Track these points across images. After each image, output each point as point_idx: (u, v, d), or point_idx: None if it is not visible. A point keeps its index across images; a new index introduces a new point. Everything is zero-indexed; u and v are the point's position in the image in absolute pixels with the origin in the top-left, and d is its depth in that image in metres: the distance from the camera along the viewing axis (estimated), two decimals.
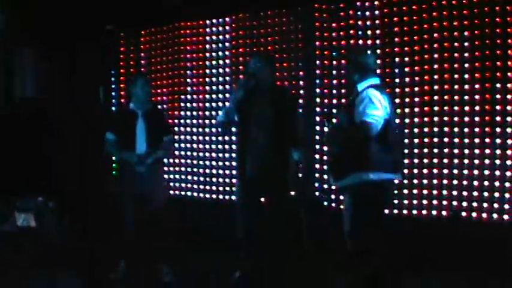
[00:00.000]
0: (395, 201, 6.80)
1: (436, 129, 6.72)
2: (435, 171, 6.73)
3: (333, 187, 6.86)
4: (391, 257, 5.04)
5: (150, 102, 6.44)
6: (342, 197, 6.83)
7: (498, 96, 6.39)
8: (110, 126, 6.36)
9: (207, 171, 8.35)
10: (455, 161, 6.60)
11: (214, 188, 8.29)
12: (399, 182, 6.59)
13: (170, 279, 6.17)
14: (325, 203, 7.36)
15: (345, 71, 5.64)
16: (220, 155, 8.25)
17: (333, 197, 7.30)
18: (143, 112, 6.21)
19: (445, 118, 6.66)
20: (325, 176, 7.24)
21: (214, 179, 8.29)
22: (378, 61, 6.77)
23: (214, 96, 8.32)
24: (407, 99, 6.87)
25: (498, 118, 6.40)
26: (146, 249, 6.18)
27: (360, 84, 5.12)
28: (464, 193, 6.56)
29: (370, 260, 4.94)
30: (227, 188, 8.13)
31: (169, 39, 8.74)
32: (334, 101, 7.33)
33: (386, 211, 6.40)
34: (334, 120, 5.31)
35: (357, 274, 5.04)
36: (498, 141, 6.39)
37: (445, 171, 6.68)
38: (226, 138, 8.06)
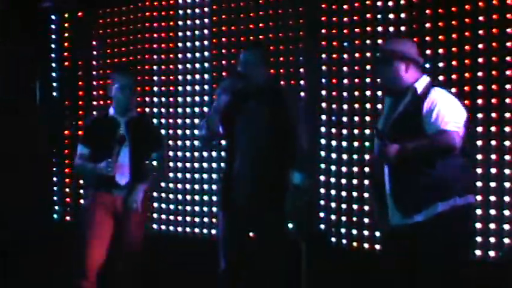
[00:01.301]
0: None
1: None
2: None
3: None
4: None
5: (133, 108, 5.93)
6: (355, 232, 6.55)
7: (480, 101, 5.78)
8: (84, 137, 5.90)
9: (179, 197, 7.46)
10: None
11: (188, 219, 7.40)
12: None
13: None
14: (334, 239, 6.62)
15: (381, 69, 4.78)
16: (197, 175, 7.35)
17: (343, 231, 6.54)
18: (126, 121, 5.68)
19: None
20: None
21: (188, 208, 7.39)
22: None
23: (189, 99, 7.42)
24: None
25: (480, 129, 5.81)
26: None
27: (418, 84, 4.49)
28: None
29: None
30: (205, 219, 7.29)
31: (132, 23, 7.81)
32: (345, 107, 6.54)
33: None
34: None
35: None
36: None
37: None
38: (205, 154, 7.25)
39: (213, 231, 7.10)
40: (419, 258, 4.45)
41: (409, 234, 4.49)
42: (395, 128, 4.55)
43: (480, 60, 5.93)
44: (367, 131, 6.45)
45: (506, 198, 5.76)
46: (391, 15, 6.22)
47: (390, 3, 6.22)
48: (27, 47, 8.14)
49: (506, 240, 5.74)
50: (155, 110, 7.60)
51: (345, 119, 6.54)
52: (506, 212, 5.76)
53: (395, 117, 4.59)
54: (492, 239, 5.79)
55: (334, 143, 6.58)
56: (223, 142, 5.76)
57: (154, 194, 7.36)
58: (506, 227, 5.74)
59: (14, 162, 7.95)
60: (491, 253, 5.76)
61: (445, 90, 4.57)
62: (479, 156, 5.90)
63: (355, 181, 6.50)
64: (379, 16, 6.30)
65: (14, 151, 7.97)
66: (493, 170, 5.86)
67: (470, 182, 4.68)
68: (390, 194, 4.55)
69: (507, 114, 5.82)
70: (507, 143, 5.82)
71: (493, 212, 5.82)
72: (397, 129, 4.53)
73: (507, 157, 5.80)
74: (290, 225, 6.19)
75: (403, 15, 6.18)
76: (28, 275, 7.22)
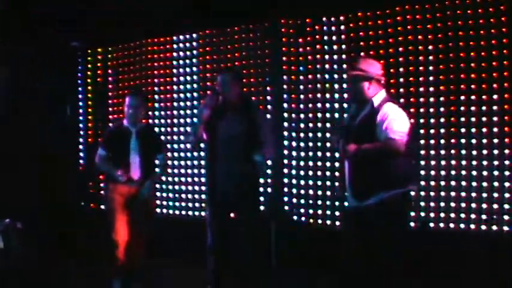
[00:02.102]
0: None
1: None
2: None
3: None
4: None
5: (140, 121, 6.37)
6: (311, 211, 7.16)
7: (462, 107, 6.46)
8: (103, 142, 6.38)
9: (176, 187, 8.30)
10: (422, 172, 6.61)
11: (183, 204, 8.24)
12: None
13: None
14: (295, 218, 7.34)
15: (351, 83, 5.13)
16: (189, 171, 8.20)
17: (302, 211, 7.33)
18: (136, 130, 6.20)
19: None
20: (304, 192, 7.30)
21: (183, 195, 8.24)
22: (344, 76, 6.98)
23: (182, 112, 8.30)
24: None
25: (463, 129, 6.46)
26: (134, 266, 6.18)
27: (376, 98, 4.88)
28: (432, 204, 6.59)
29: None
30: (196, 204, 8.10)
31: (137, 55, 8.72)
32: (302, 116, 7.37)
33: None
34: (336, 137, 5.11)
35: None
36: (463, 152, 6.44)
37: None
38: (195, 154, 8.01)
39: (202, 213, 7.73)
40: (369, 232, 4.78)
41: (362, 214, 4.82)
42: (356, 133, 4.88)
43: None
44: (319, 134, 7.15)
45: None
46: (335, 46, 7.12)
47: (334, 38, 7.11)
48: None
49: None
50: (156, 121, 8.43)
51: (302, 125, 7.31)
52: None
53: (356, 124, 4.92)
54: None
55: (294, 143, 7.36)
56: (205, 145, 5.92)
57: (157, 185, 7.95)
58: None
59: (53, 163, 8.61)
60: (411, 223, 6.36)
61: (396, 106, 4.84)
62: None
63: (310, 172, 7.18)
64: (326, 47, 7.17)
65: (53, 156, 8.62)
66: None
67: (412, 176, 4.94)
68: (349, 183, 4.91)
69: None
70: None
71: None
72: (358, 133, 4.87)
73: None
74: (262, 208, 6.72)
75: (343, 46, 7.08)
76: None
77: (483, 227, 6.35)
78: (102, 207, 8.33)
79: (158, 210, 8.29)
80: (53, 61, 8.65)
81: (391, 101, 4.90)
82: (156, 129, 8.06)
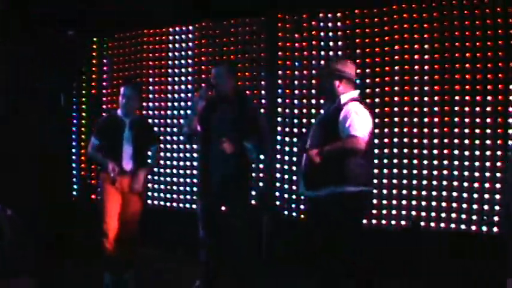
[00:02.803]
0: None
1: (395, 140, 6.78)
2: (395, 181, 6.79)
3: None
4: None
5: (134, 112, 6.34)
6: (302, 207, 7.15)
7: (456, 108, 6.48)
8: (96, 131, 6.33)
9: (168, 179, 8.32)
10: (414, 171, 6.66)
11: (175, 196, 8.27)
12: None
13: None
14: (286, 212, 7.35)
15: (322, 81, 5.32)
16: (182, 163, 8.22)
17: (293, 206, 7.35)
18: (130, 121, 6.17)
19: (405, 129, 6.74)
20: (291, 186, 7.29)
21: (175, 187, 8.27)
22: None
23: (176, 104, 8.32)
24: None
25: (456, 130, 6.49)
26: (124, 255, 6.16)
27: (343, 97, 4.99)
28: (423, 203, 6.62)
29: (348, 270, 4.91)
30: (188, 197, 8.12)
31: (133, 45, 8.73)
32: (296, 111, 7.39)
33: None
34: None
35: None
36: (456, 152, 6.48)
37: (404, 181, 6.74)
38: (188, 146, 8.05)
39: (194, 206, 7.71)
40: (324, 224, 4.94)
41: (315, 205, 5.03)
42: (321, 127, 5.04)
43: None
44: None
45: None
46: (331, 43, 7.13)
47: (330, 34, 7.13)
48: (27, 47, 8.39)
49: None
50: (150, 112, 8.44)
51: (295, 120, 7.31)
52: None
53: (322, 118, 5.14)
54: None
55: (287, 139, 7.35)
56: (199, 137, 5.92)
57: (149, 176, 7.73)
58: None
59: (44, 151, 8.56)
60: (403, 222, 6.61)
61: (359, 104, 4.94)
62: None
63: None
64: (322, 43, 7.18)
65: (45, 144, 8.57)
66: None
67: (366, 176, 4.95)
68: (303, 174, 5.06)
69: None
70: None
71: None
72: (322, 128, 5.01)
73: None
74: (253, 202, 7.10)
75: (339, 42, 7.09)
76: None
77: (473, 228, 6.38)
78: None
79: (150, 201, 8.30)
80: (53, 61, 8.65)
81: (357, 101, 4.98)
82: (150, 120, 8.08)
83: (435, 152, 6.58)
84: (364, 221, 6.47)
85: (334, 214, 4.85)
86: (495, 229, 6.27)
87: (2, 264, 5.89)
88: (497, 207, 6.28)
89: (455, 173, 6.47)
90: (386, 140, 6.82)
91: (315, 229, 5.06)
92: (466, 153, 6.42)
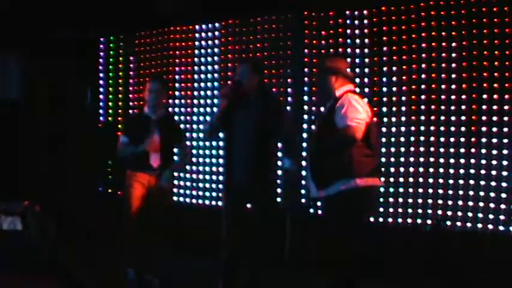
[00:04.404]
0: (381, 209, 6.84)
1: (422, 138, 6.75)
2: (421, 179, 6.76)
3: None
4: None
5: (162, 107, 6.35)
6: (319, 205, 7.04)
7: (484, 107, 6.43)
8: (124, 129, 6.38)
9: (194, 176, 8.34)
10: (441, 170, 6.63)
11: (200, 193, 8.29)
12: (384, 190, 6.77)
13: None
14: (311, 211, 7.33)
15: (318, 80, 5.43)
16: (208, 160, 8.25)
17: (319, 204, 7.22)
18: (156, 118, 6.19)
19: (432, 128, 6.70)
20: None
21: (201, 185, 8.29)
22: (366, 70, 7.07)
23: (202, 101, 8.35)
24: (394, 108, 6.91)
25: (484, 128, 6.44)
26: (145, 253, 6.20)
27: (338, 90, 5.08)
28: (450, 202, 6.58)
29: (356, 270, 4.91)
30: (214, 194, 8.15)
31: (159, 43, 8.76)
32: (322, 109, 7.23)
33: (372, 219, 6.72)
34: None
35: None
36: (484, 151, 6.44)
37: (431, 180, 6.70)
38: (214, 143, 8.07)
39: (219, 203, 7.77)
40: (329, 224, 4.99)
41: (323, 204, 5.17)
42: (323, 122, 5.12)
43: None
44: None
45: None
46: (357, 40, 7.10)
47: (357, 32, 7.10)
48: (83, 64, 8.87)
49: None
50: (176, 109, 8.47)
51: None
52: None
53: (323, 114, 5.23)
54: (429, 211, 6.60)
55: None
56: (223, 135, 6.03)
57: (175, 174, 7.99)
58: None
59: (72, 147, 8.85)
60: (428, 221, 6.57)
61: (356, 96, 4.99)
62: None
63: None
64: (348, 41, 7.15)
65: (72, 140, 8.85)
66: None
67: (372, 168, 4.93)
68: (310, 173, 5.06)
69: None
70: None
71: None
72: (323, 122, 5.11)
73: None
74: (279, 200, 6.87)
75: (366, 40, 7.06)
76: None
77: (501, 228, 6.33)
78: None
79: (175, 198, 8.35)
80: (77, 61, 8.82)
81: (352, 92, 5.05)
82: (176, 117, 8.08)
83: (462, 150, 6.53)
84: (390, 220, 6.76)
85: (341, 211, 4.87)
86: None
87: (28, 258, 6.02)
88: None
89: (482, 172, 6.42)
90: (412, 139, 6.80)
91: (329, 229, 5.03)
92: (494, 152, 6.36)
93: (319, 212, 7.24)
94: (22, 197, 6.55)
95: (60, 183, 8.61)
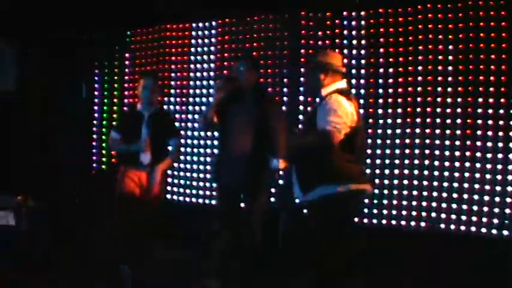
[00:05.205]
0: (375, 211, 6.86)
1: (417, 140, 6.76)
2: (415, 182, 6.77)
3: None
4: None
5: (156, 104, 6.33)
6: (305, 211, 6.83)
7: (480, 110, 6.45)
8: (116, 125, 6.38)
9: (188, 174, 8.32)
10: (436, 173, 6.64)
11: (194, 191, 8.27)
12: (378, 192, 6.80)
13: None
14: (304, 210, 7.08)
15: (307, 76, 5.14)
16: (202, 158, 8.24)
17: None
18: (149, 114, 6.16)
19: (427, 130, 6.71)
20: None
21: (194, 182, 8.27)
22: (362, 71, 7.05)
23: (198, 99, 8.33)
24: (390, 110, 6.91)
25: (479, 132, 6.46)
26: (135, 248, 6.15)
27: (325, 89, 4.81)
28: (443, 205, 6.60)
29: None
30: (207, 192, 8.15)
31: (155, 40, 8.75)
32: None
33: (366, 221, 6.78)
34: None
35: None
36: (478, 154, 6.45)
37: (425, 182, 6.72)
38: (209, 141, 8.06)
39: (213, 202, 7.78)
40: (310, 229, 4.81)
41: (307, 208, 5.00)
42: (307, 123, 4.95)
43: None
44: None
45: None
46: (354, 41, 7.09)
47: (354, 33, 7.09)
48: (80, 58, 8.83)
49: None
50: (172, 107, 8.42)
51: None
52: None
53: (307, 116, 5.13)
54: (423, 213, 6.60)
55: None
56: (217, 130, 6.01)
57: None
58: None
59: (64, 140, 8.87)
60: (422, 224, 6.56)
61: (341, 98, 4.65)
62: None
63: None
64: (345, 42, 7.14)
65: (65, 134, 8.89)
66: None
67: (355, 173, 4.69)
68: (295, 177, 4.85)
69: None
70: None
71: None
72: (307, 124, 4.94)
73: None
74: (272, 199, 7.08)
75: (363, 41, 7.05)
76: None
77: (493, 231, 6.35)
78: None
79: (169, 196, 8.34)
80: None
81: (340, 92, 4.74)
82: (172, 115, 7.95)
83: (457, 153, 6.54)
84: (384, 221, 6.74)
85: (321, 218, 4.71)
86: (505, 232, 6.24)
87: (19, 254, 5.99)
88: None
89: (477, 175, 6.45)
90: (408, 141, 6.80)
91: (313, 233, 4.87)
92: (488, 155, 6.38)
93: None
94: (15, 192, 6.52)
95: (55, 179, 8.64)
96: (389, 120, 6.90)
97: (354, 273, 4.96)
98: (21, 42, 8.85)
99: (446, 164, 6.60)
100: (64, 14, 8.21)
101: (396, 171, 6.85)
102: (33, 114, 9.01)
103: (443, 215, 6.59)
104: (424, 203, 6.70)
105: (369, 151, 6.84)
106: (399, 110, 6.84)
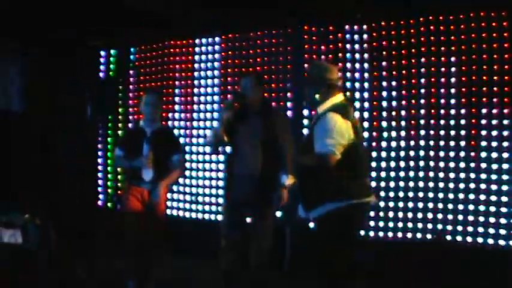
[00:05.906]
0: (381, 224, 6.88)
1: (421, 152, 6.78)
2: (420, 194, 6.78)
3: None
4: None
5: (158, 120, 6.32)
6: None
7: (484, 121, 6.48)
8: (120, 143, 6.43)
9: (193, 190, 8.31)
10: (441, 184, 6.66)
11: (200, 207, 8.26)
12: (384, 205, 6.81)
13: None
14: (310, 225, 7.16)
15: (304, 90, 5.07)
16: (207, 173, 8.23)
17: None
18: (151, 131, 6.16)
19: (431, 142, 6.73)
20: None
21: (200, 199, 8.27)
22: (365, 84, 7.07)
23: (202, 115, 8.34)
24: (394, 123, 6.94)
25: (484, 143, 6.48)
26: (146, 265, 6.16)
27: (321, 107, 4.80)
28: (450, 216, 6.61)
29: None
30: (213, 208, 8.13)
31: (159, 57, 8.76)
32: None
33: (372, 233, 6.79)
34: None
35: None
36: (484, 165, 6.47)
37: (430, 194, 6.72)
38: (214, 157, 8.07)
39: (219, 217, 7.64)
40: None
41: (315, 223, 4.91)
42: (306, 141, 4.89)
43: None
44: None
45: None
46: (357, 55, 7.13)
47: (357, 46, 7.13)
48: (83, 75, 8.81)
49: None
50: (176, 123, 8.43)
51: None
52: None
53: (307, 133, 5.00)
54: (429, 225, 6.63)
55: None
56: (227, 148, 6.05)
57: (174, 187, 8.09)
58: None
59: (72, 159, 8.84)
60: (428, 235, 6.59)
61: (336, 117, 4.62)
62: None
63: None
64: (348, 55, 7.17)
65: (72, 152, 8.82)
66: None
67: (356, 189, 4.70)
68: (299, 194, 4.92)
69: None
70: None
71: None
72: (306, 142, 4.88)
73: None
74: (278, 214, 6.93)
75: (365, 55, 7.09)
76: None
77: (501, 242, 6.36)
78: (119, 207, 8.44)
79: (175, 212, 8.35)
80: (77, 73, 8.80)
81: (335, 110, 4.70)
82: (176, 131, 8.04)
83: (461, 164, 6.57)
84: (390, 234, 6.73)
85: (321, 232, 4.77)
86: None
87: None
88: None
89: (483, 186, 6.46)
90: (412, 153, 6.83)
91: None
92: (494, 166, 6.40)
93: None
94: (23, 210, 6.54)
95: (62, 196, 8.64)
96: (393, 133, 6.92)
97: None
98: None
99: (452, 175, 6.61)
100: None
101: (401, 184, 6.87)
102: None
103: (449, 227, 6.60)
104: (430, 215, 6.70)
105: (373, 164, 6.86)
106: (403, 123, 6.87)
